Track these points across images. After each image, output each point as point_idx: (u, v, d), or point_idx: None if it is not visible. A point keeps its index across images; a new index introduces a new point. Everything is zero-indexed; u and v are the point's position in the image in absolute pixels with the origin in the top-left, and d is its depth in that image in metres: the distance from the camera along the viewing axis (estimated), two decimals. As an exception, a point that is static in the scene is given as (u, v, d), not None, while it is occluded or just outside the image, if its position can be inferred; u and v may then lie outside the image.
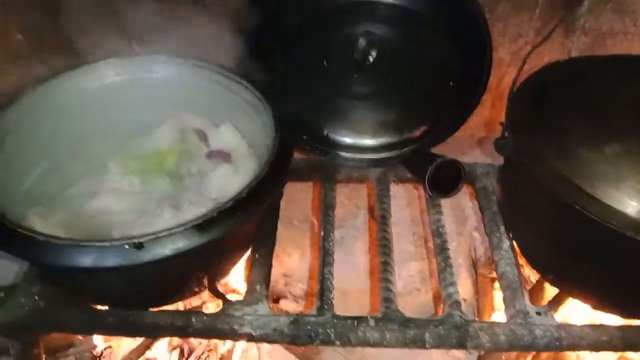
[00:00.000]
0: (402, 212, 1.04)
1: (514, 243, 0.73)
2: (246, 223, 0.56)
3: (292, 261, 0.87)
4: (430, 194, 0.73)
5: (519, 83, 0.69)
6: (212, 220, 0.54)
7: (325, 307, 0.65)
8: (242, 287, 0.76)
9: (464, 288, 0.96)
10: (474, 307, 0.94)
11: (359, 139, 0.85)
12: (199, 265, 0.61)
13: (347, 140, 0.85)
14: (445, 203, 0.96)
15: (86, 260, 0.51)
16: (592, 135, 0.62)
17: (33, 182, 0.69)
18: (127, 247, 0.51)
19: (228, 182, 0.69)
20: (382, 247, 0.73)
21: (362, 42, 0.83)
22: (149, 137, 0.75)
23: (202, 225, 0.53)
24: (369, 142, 0.85)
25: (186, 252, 0.53)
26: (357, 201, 1.02)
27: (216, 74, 0.74)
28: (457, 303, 0.66)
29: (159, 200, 0.66)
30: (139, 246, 0.51)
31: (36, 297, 0.66)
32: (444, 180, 0.73)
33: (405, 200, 1.03)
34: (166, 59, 0.76)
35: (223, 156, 0.73)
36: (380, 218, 0.77)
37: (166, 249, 0.52)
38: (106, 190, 0.67)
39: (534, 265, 0.71)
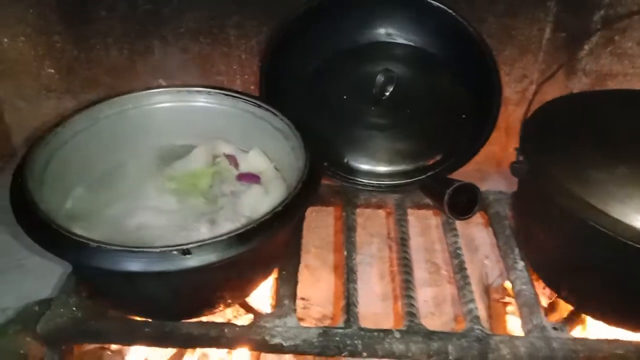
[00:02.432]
0: (415, 240, 1.07)
1: (528, 263, 0.77)
2: (281, 234, 0.60)
3: (310, 285, 0.91)
4: (449, 216, 0.77)
5: (529, 114, 0.75)
6: (253, 230, 0.58)
7: (352, 319, 0.68)
8: (264, 306, 0.79)
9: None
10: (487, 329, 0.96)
11: (377, 166, 0.90)
12: (235, 277, 0.64)
13: (366, 167, 0.90)
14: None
15: (136, 265, 0.55)
16: (601, 159, 0.66)
17: (74, 201, 0.73)
18: (175, 252, 0.55)
19: (259, 201, 0.73)
20: (403, 267, 0.76)
21: (380, 78, 0.90)
22: (184, 160, 0.79)
23: (244, 234, 0.57)
24: (386, 169, 0.90)
25: (229, 259, 0.56)
26: (370, 229, 1.06)
27: (248, 103, 0.79)
28: (477, 318, 0.69)
29: (196, 217, 0.70)
30: (187, 252, 0.55)
31: (74, 309, 0.69)
32: (460, 203, 0.78)
33: (418, 228, 1.06)
34: (202, 89, 0.81)
35: (253, 178, 0.78)
36: (400, 240, 0.81)
37: (212, 255, 0.56)
38: (144, 208, 0.71)
39: (548, 283, 0.75)
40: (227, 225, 0.68)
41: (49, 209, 0.64)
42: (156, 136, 0.82)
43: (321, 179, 0.68)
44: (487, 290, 1.04)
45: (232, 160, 0.81)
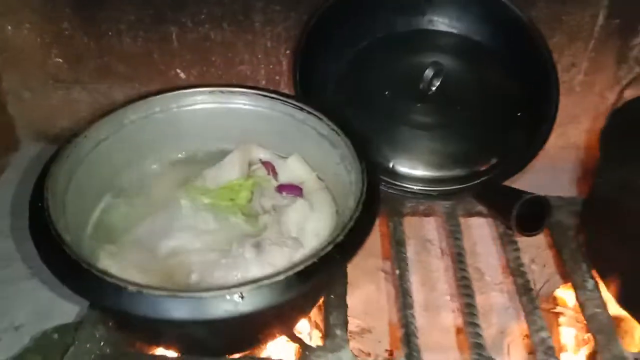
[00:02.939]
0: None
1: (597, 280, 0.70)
2: (344, 267, 0.53)
3: (360, 309, 0.82)
4: (518, 232, 0.69)
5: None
6: (314, 267, 0.50)
7: (414, 354, 0.61)
8: (305, 329, 0.72)
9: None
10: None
11: (425, 171, 0.82)
12: (287, 313, 0.57)
13: (413, 172, 0.82)
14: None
15: (182, 312, 0.47)
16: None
17: (101, 215, 0.66)
18: (227, 297, 0.47)
19: (305, 218, 0.65)
20: (463, 288, 0.69)
21: (429, 72, 0.81)
22: (217, 169, 0.71)
23: (304, 272, 0.49)
24: (435, 174, 0.82)
25: (287, 301, 0.49)
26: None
27: (287, 105, 0.71)
28: (551, 349, 0.63)
29: (238, 239, 0.62)
30: (240, 296, 0.47)
31: (101, 343, 0.62)
32: (525, 216, 0.70)
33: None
34: (236, 89, 0.72)
35: (295, 190, 0.70)
36: (456, 256, 0.73)
37: (268, 299, 0.48)
38: (179, 228, 0.64)
39: (625, 306, 0.67)
40: (274, 250, 0.60)
41: (74, 236, 0.56)
42: (185, 141, 0.74)
43: (379, 194, 0.60)
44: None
45: (270, 167, 0.73)
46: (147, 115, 0.70)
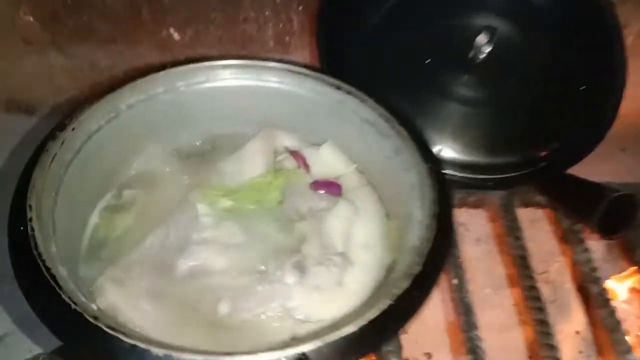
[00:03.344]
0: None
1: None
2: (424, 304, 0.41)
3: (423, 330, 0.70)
4: (600, 235, 0.59)
5: None
6: (391, 311, 0.39)
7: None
8: None
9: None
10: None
11: (475, 156, 0.70)
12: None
13: (462, 158, 0.70)
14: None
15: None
16: None
17: (97, 227, 0.53)
18: (284, 359, 0.36)
19: (350, 225, 0.54)
20: (532, 300, 0.59)
21: (482, 37, 0.68)
22: (235, 162, 0.58)
23: (379, 319, 0.38)
24: (487, 160, 0.70)
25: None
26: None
27: (322, 83, 0.57)
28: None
29: (272, 256, 0.50)
30: (303, 358, 0.36)
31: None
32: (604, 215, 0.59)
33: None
34: (253, 62, 0.59)
35: (333, 187, 0.58)
36: (519, 259, 0.63)
37: (334, 357, 0.37)
38: (197, 242, 0.51)
39: None
40: (320, 272, 0.49)
41: (68, 261, 0.44)
42: (195, 127, 0.61)
43: (452, 205, 0.48)
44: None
45: (299, 158, 0.60)
46: (148, 97, 0.56)
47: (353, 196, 0.57)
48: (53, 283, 0.38)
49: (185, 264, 0.50)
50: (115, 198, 0.55)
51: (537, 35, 0.71)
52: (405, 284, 0.40)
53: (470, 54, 0.69)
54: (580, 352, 0.67)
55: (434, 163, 0.49)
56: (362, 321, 0.38)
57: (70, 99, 0.95)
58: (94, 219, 0.53)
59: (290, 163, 0.60)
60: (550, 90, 0.71)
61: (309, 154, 0.61)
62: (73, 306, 0.37)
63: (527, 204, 0.70)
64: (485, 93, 0.71)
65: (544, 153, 0.69)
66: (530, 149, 0.70)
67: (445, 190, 0.47)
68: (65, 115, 0.50)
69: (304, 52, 0.89)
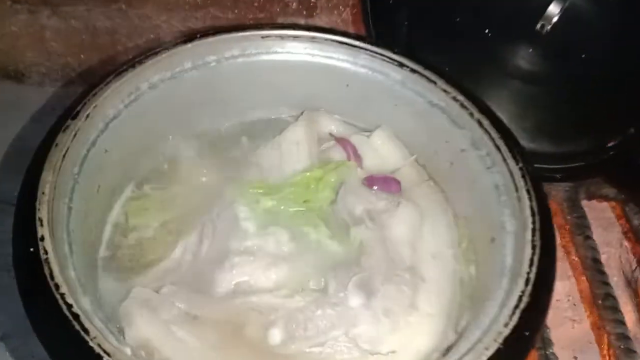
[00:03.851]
0: None
1: None
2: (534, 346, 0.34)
3: None
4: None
5: None
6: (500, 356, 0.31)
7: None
8: None
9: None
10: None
11: (539, 143, 0.62)
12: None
13: (524, 144, 0.60)
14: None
15: None
16: None
17: (116, 230, 0.44)
18: None
19: (416, 231, 0.45)
20: (610, 311, 0.52)
21: (554, 7, 0.58)
22: (275, 152, 0.50)
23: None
24: (552, 148, 0.62)
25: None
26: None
27: (382, 59, 0.48)
28: None
29: (331, 271, 0.42)
30: None
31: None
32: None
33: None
34: (290, 32, 0.49)
35: (391, 184, 0.49)
36: (590, 261, 0.56)
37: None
38: (239, 251, 0.43)
39: None
40: (390, 292, 0.41)
41: (85, 280, 0.35)
42: (227, 110, 0.51)
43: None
44: (629, 281, 0.82)
45: (348, 147, 0.51)
46: (173, 74, 0.46)
47: (414, 195, 0.49)
48: (78, 327, 0.29)
49: (225, 280, 0.42)
50: (136, 196, 0.46)
51: (611, 7, 0.62)
52: (512, 321, 0.32)
53: (538, 26, 0.60)
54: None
55: (526, 163, 0.41)
56: (488, 355, 0.30)
57: (64, 66, 0.85)
58: (112, 221, 0.45)
59: (337, 153, 0.51)
60: (624, 70, 0.62)
61: (359, 142, 0.52)
62: (106, 358, 0.29)
63: (592, 197, 0.62)
64: (551, 70, 0.63)
65: (616, 140, 0.61)
66: (601, 135, 0.62)
67: (543, 198, 0.39)
68: (76, 99, 0.41)
69: (331, 16, 0.79)
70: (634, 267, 0.81)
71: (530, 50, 0.62)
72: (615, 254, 0.74)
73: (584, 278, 0.60)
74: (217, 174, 0.49)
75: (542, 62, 0.62)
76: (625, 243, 0.77)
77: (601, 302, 0.53)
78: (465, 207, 0.47)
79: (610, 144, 0.61)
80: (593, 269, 0.55)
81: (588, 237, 0.57)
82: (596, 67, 0.62)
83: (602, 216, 0.65)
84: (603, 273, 0.55)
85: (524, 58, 0.62)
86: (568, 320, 0.65)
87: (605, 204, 0.65)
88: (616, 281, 0.71)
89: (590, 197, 0.62)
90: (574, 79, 0.62)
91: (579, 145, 0.61)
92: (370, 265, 0.42)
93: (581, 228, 0.58)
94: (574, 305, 0.66)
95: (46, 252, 0.32)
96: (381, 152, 0.51)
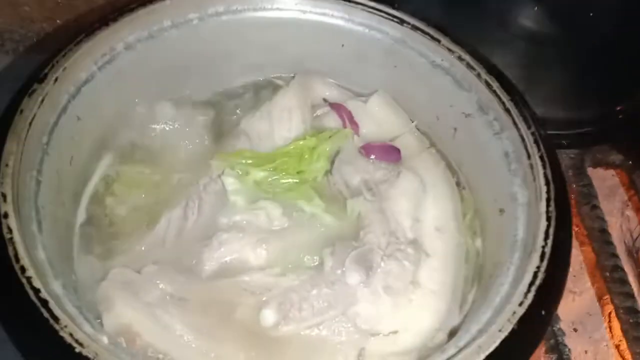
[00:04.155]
0: None
1: None
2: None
3: None
4: None
5: None
6: (513, 338, 0.28)
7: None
8: None
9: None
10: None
11: (543, 107, 0.57)
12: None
13: (529, 109, 0.58)
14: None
15: None
16: None
17: (95, 198, 0.41)
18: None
19: (418, 202, 0.42)
20: (617, 284, 0.50)
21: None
22: (265, 119, 0.46)
23: (498, 351, 0.28)
24: (557, 113, 0.59)
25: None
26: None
27: (379, 16, 0.44)
28: None
29: (327, 247, 0.39)
30: None
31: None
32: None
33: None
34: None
35: (390, 153, 0.46)
36: (597, 232, 0.53)
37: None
38: (227, 227, 0.40)
39: None
40: (393, 269, 0.38)
41: (58, 257, 0.32)
42: (210, 73, 0.47)
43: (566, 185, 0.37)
44: (631, 251, 0.80)
45: (343, 113, 0.48)
46: (151, 33, 0.42)
47: (415, 164, 0.45)
48: (47, 314, 0.26)
49: (213, 258, 0.38)
50: (115, 168, 0.43)
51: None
52: (527, 299, 0.30)
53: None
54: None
55: (538, 128, 0.38)
56: (490, 351, 0.27)
57: (40, 31, 0.80)
58: (88, 195, 0.41)
59: (332, 120, 0.48)
60: (634, 31, 0.58)
61: (355, 107, 0.48)
62: (78, 349, 0.26)
63: (598, 164, 0.60)
64: (556, 30, 0.59)
65: (625, 105, 0.58)
66: (609, 100, 0.58)
67: (557, 165, 0.36)
68: (44, 60, 0.36)
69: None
70: (635, 237, 0.78)
71: (536, 8, 0.58)
72: (616, 223, 0.71)
73: (588, 249, 0.58)
74: (203, 144, 0.45)
75: (548, 21, 0.59)
76: (627, 212, 0.75)
77: (609, 274, 0.50)
78: (471, 177, 0.44)
79: (618, 109, 0.58)
80: (600, 240, 0.53)
81: (595, 207, 0.54)
82: (603, 28, 0.59)
83: (603, 185, 0.63)
84: (611, 244, 0.52)
85: (528, 17, 0.59)
86: (568, 292, 0.63)
87: (606, 172, 0.62)
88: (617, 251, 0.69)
89: (596, 165, 0.59)
90: (580, 40, 0.58)
91: (587, 110, 0.58)
92: (369, 240, 0.39)
93: (587, 197, 0.56)
94: (574, 276, 0.64)
95: (10, 231, 0.29)
96: (379, 118, 0.48)
